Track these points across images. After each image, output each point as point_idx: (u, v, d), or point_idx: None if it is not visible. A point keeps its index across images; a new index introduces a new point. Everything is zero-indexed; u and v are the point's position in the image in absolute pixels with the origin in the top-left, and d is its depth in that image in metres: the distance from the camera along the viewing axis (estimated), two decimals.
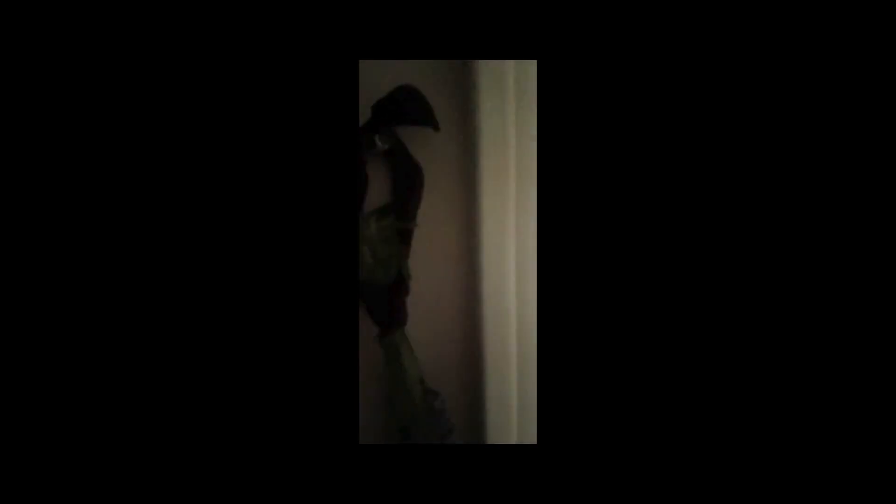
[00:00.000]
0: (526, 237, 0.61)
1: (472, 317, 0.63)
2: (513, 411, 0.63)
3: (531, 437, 0.63)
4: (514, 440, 0.64)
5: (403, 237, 0.59)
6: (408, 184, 0.60)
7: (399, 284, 0.59)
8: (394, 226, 0.58)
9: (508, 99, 0.58)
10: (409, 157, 0.59)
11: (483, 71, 0.57)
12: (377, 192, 0.61)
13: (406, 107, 0.56)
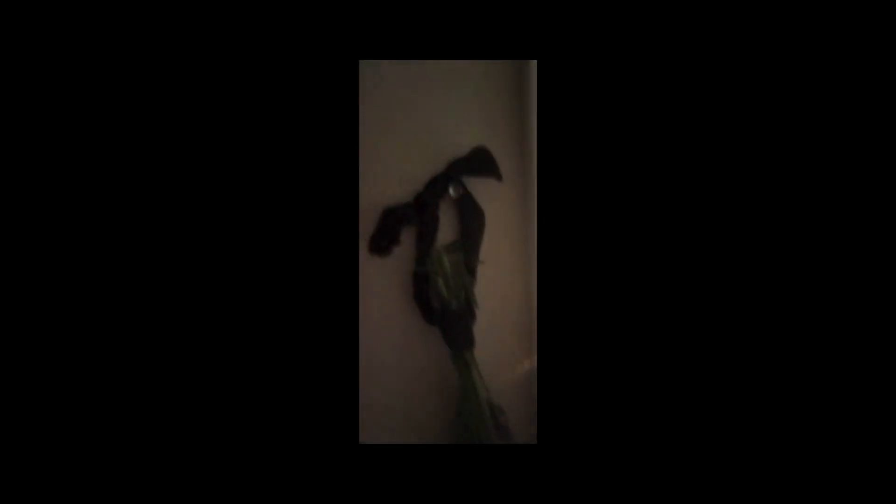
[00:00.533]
0: None
1: (529, 340, 0.72)
2: None
3: None
4: None
5: (470, 270, 0.69)
6: (473, 225, 0.71)
7: (467, 311, 0.69)
8: (462, 260, 0.68)
9: None
10: (474, 203, 0.70)
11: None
12: (446, 231, 0.72)
13: (478, 163, 0.68)
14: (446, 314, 0.68)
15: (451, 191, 0.68)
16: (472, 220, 0.70)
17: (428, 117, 0.70)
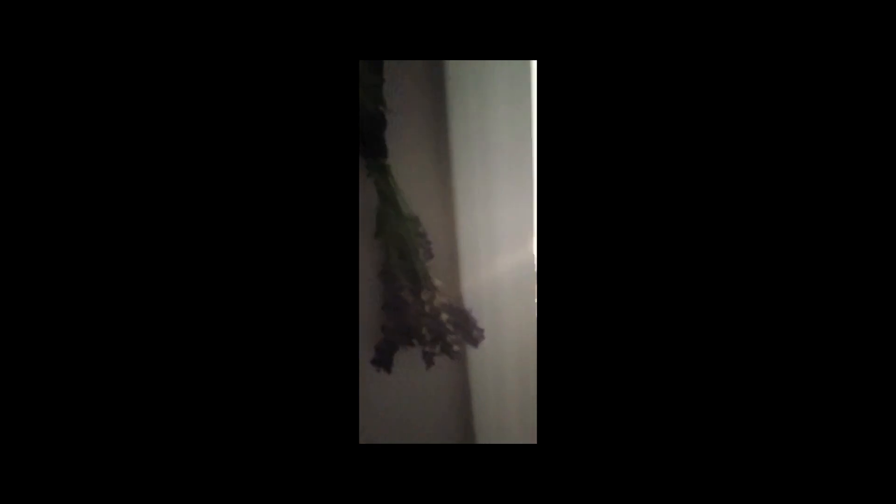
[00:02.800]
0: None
1: (443, 154, 0.71)
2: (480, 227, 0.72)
3: None
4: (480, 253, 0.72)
5: (375, 69, 0.65)
6: None
7: (377, 116, 0.65)
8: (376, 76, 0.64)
9: None
10: None
11: None
12: None
13: None
14: (365, 126, 0.63)
15: None
16: None
17: None
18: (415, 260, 0.67)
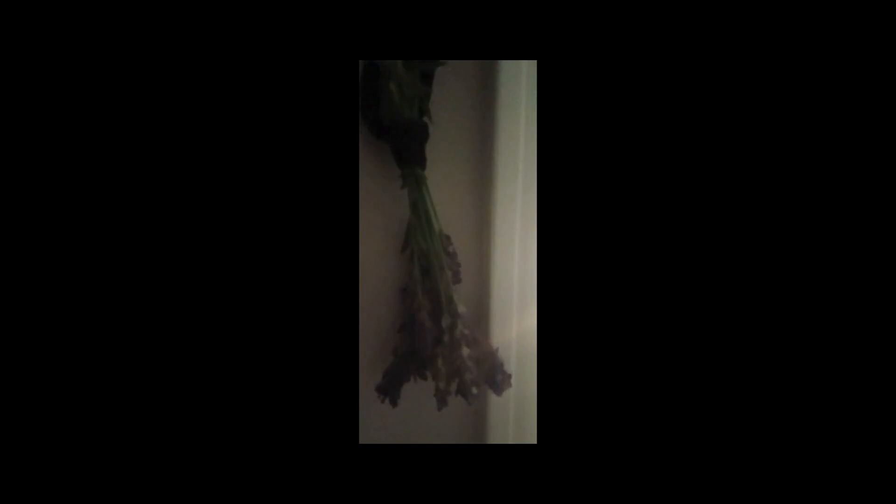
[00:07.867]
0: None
1: (485, 166, 0.67)
2: (515, 258, 0.68)
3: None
4: (515, 284, 0.69)
5: (426, 79, 0.61)
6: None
7: (421, 127, 0.61)
8: (418, 67, 0.60)
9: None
10: None
11: None
12: None
13: None
14: (397, 125, 0.60)
15: None
16: None
17: None
18: (439, 279, 0.62)
